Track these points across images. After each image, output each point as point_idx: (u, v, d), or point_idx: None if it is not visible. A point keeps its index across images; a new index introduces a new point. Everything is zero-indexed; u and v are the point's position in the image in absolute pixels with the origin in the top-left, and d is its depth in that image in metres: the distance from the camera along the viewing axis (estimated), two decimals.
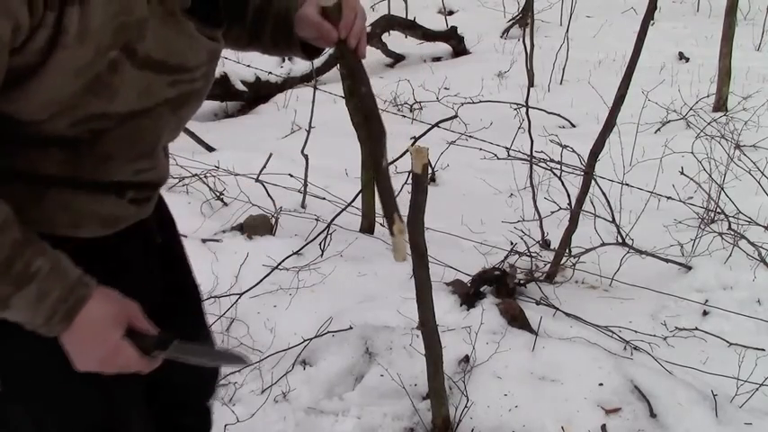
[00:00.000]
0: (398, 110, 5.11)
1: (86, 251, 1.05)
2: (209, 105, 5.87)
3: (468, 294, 2.64)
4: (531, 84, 5.76)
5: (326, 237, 3.05)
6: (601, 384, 2.20)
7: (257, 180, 3.61)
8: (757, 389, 2.26)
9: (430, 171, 4.06)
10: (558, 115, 5.25)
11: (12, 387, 1.07)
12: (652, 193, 3.28)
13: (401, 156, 3.41)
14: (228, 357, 1.25)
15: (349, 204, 3.22)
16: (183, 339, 1.12)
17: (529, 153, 3.44)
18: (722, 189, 3.36)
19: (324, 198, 3.57)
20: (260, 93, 5.98)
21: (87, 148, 1.00)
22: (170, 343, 1.09)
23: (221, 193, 3.59)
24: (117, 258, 1.13)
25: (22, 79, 0.91)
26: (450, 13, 8.54)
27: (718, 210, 3.31)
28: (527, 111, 3.65)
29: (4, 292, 0.93)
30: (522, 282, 2.88)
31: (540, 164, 3.34)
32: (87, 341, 1.00)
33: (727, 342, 2.59)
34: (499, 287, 2.72)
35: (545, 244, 3.21)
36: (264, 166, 3.70)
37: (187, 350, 1.13)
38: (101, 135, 1.00)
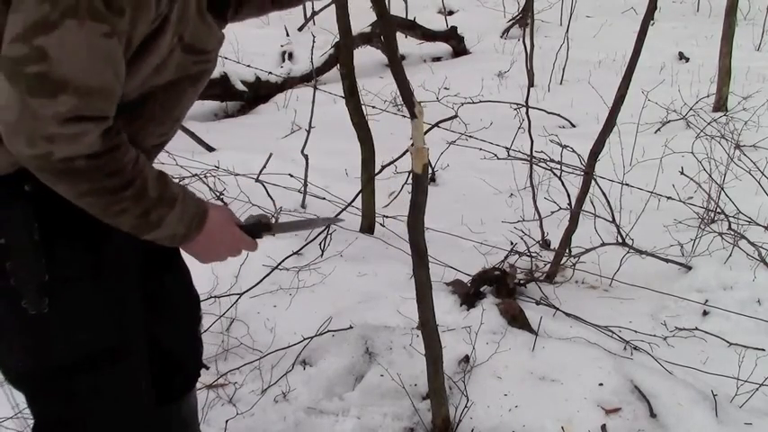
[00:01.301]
0: (398, 110, 5.10)
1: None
2: (209, 105, 5.86)
3: (468, 294, 2.64)
4: (531, 84, 5.76)
5: (326, 237, 3.05)
6: (601, 384, 2.20)
7: (257, 180, 3.61)
8: (757, 389, 2.26)
9: (430, 171, 4.06)
10: (558, 115, 5.24)
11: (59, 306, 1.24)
12: (652, 193, 3.28)
13: (401, 156, 3.41)
14: (321, 221, 1.60)
15: (349, 204, 3.22)
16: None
17: (529, 153, 3.44)
18: (722, 189, 3.36)
19: (324, 198, 3.57)
20: (260, 93, 5.98)
21: (139, 111, 1.23)
22: (272, 226, 1.47)
23: (221, 193, 3.59)
24: None
25: (134, 56, 1.13)
26: (450, 13, 8.54)
27: (718, 210, 3.31)
28: (527, 111, 3.64)
29: (163, 213, 1.22)
30: (522, 282, 2.88)
31: (540, 164, 3.34)
32: (215, 238, 1.35)
33: (728, 342, 2.59)
34: (499, 287, 2.72)
35: (545, 244, 3.21)
36: (264, 166, 3.69)
37: (285, 227, 1.51)
38: (148, 100, 1.24)
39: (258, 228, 1.45)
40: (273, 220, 3.27)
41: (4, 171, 1.16)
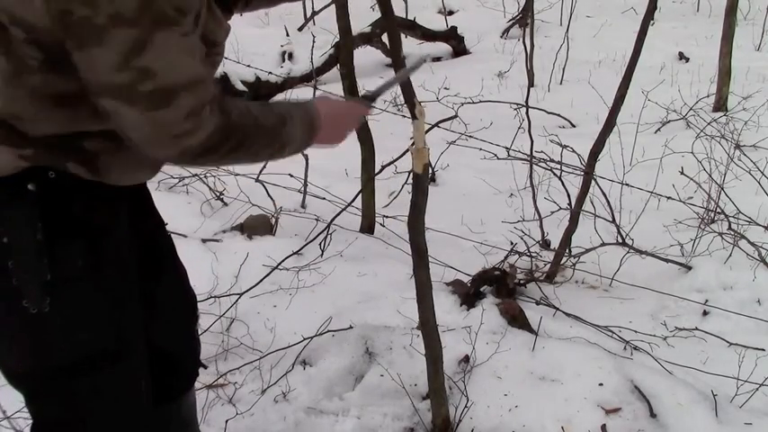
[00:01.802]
0: (398, 110, 5.10)
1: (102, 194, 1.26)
2: None
3: (468, 294, 2.64)
4: (531, 84, 5.76)
5: (326, 237, 3.05)
6: (601, 384, 2.19)
7: (257, 180, 3.61)
8: (757, 389, 2.26)
9: (430, 171, 4.06)
10: (558, 115, 5.24)
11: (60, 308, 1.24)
12: (652, 193, 3.28)
13: (401, 155, 3.42)
14: (412, 67, 1.69)
15: (349, 204, 3.22)
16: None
17: (529, 153, 3.44)
18: (722, 189, 3.36)
19: (324, 198, 3.57)
20: (260, 93, 5.98)
21: None
22: (380, 90, 1.58)
23: (221, 193, 3.59)
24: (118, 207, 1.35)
25: None
26: (451, 13, 8.54)
27: (718, 210, 3.31)
28: (527, 111, 3.65)
29: (284, 132, 1.32)
30: (522, 282, 2.88)
31: (540, 164, 3.34)
32: (336, 121, 1.46)
33: (728, 342, 2.59)
34: (499, 287, 2.72)
35: (545, 244, 3.21)
36: (264, 166, 3.69)
37: (387, 85, 1.59)
38: None
39: (371, 96, 1.57)
40: (274, 221, 3.29)
41: (7, 171, 1.17)
